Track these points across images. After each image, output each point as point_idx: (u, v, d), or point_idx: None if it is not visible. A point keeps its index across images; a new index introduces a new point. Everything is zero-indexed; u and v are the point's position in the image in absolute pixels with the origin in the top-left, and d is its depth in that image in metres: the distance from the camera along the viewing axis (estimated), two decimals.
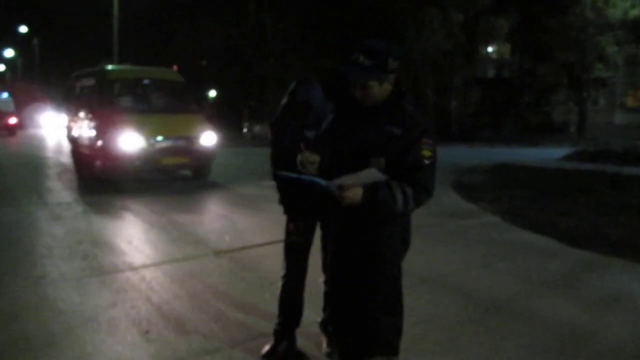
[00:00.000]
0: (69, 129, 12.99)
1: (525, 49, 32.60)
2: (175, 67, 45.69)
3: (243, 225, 7.16)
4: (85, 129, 11.40)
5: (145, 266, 5.28)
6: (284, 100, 3.36)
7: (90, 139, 10.98)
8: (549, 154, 18.95)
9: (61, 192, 9.81)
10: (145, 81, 11.94)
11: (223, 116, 31.24)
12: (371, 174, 2.38)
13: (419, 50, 27.28)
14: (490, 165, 14.55)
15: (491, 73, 35.07)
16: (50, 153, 16.98)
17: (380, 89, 2.48)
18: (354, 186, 2.36)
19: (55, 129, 26.67)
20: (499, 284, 4.83)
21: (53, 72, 35.39)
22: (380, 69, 2.44)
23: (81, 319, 3.99)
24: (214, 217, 7.76)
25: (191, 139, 10.41)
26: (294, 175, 2.52)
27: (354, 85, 2.52)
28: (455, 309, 4.21)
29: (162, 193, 9.71)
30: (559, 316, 4.12)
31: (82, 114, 11.81)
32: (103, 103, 10.87)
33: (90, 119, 11.12)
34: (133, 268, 5.21)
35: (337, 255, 2.72)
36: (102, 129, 10.37)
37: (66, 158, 15.46)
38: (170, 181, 11.23)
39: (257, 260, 5.51)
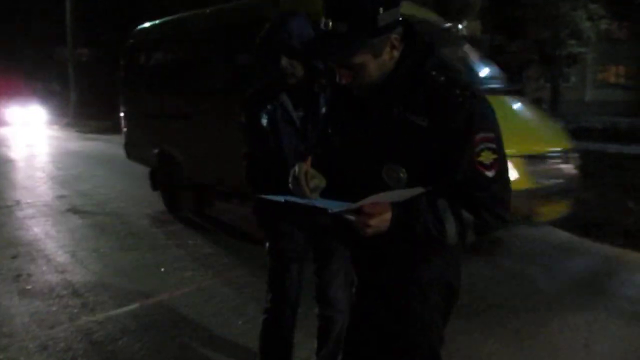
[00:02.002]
0: (143, 132, 7.42)
1: (497, 26, 32.05)
2: None
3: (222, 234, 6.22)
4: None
5: (88, 287, 4.31)
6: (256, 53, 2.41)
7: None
8: None
9: (3, 193, 8.68)
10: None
11: None
12: (407, 191, 1.47)
13: None
14: None
15: None
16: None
17: (378, 63, 1.50)
18: (379, 208, 1.44)
19: (23, 125, 23.25)
20: (520, 294, 4.03)
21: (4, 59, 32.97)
22: (365, 33, 1.45)
23: None
24: (180, 220, 6.78)
25: (564, 157, 4.77)
26: (283, 198, 1.62)
27: (333, 68, 1.59)
28: (479, 334, 3.39)
29: (128, 193, 8.66)
30: (604, 335, 3.35)
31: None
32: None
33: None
34: (73, 291, 4.24)
35: (354, 306, 1.86)
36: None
37: (16, 154, 14.22)
38: (141, 177, 10.15)
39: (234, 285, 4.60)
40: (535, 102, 31.14)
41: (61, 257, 5.16)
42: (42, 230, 6.20)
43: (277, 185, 2.25)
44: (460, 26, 34.34)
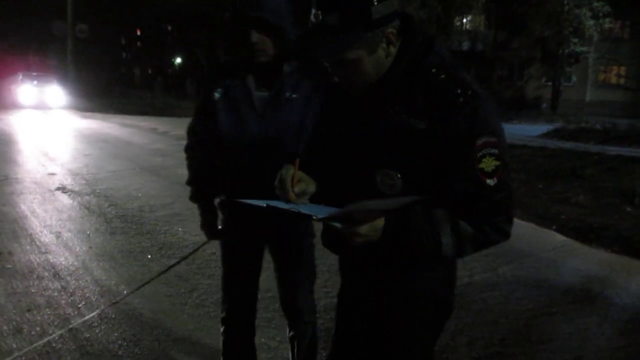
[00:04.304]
0: None
1: (500, 22, 31.88)
2: (138, 32, 43.68)
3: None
4: None
5: (70, 270, 4.20)
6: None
7: None
8: (526, 131, 18.19)
9: None
10: None
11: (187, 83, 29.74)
12: (400, 200, 1.35)
13: None
14: None
15: (465, 46, 34.24)
16: None
17: (373, 59, 1.38)
18: (369, 215, 1.31)
19: (39, 108, 19.74)
20: (511, 298, 3.93)
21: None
22: (359, 25, 1.32)
23: None
24: (170, 206, 6.64)
25: None
26: (264, 202, 1.45)
27: (324, 64, 1.48)
28: (466, 338, 3.29)
29: (119, 174, 8.53)
30: (597, 345, 3.26)
31: None
32: None
33: None
34: (54, 273, 4.13)
35: (340, 314, 1.74)
36: None
37: (9, 128, 14.02)
38: (134, 159, 10.01)
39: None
40: (535, 100, 31.18)
41: (45, 237, 5.04)
42: (29, 207, 6.07)
43: (214, 169, 2.22)
44: (464, 21, 34.17)
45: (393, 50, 1.40)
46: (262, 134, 2.08)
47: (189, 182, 2.37)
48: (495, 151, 1.33)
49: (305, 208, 1.41)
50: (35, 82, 21.95)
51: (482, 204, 1.34)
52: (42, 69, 25.21)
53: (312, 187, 1.52)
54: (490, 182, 1.33)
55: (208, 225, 2.41)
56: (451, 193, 1.35)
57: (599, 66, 31.91)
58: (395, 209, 1.32)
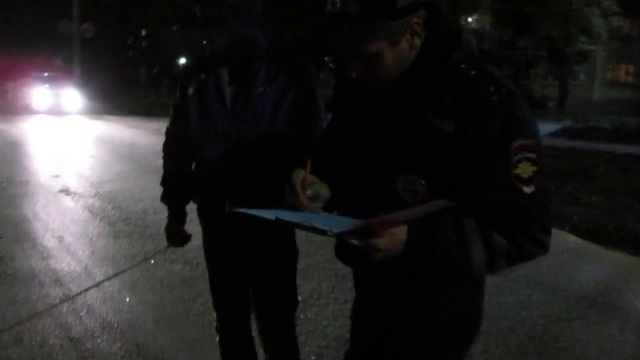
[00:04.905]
0: None
1: (506, 21, 31.69)
2: (143, 32, 43.72)
3: None
4: None
5: (72, 276, 4.09)
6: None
7: None
8: None
9: None
10: None
11: None
12: (428, 206, 1.21)
13: None
14: None
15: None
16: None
17: (395, 52, 1.24)
18: (390, 227, 1.17)
19: (55, 114, 17.99)
20: (526, 303, 3.80)
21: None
22: (381, 14, 1.19)
23: None
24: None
25: None
26: (273, 214, 1.28)
27: (341, 60, 1.33)
28: (482, 346, 3.15)
29: (123, 176, 8.44)
30: (617, 353, 3.13)
31: None
32: None
33: None
34: (55, 279, 4.02)
35: (356, 333, 1.61)
36: None
37: (16, 130, 13.97)
38: (139, 160, 9.93)
39: None
40: (542, 99, 31.02)
41: (48, 241, 4.95)
42: (31, 211, 5.98)
43: (187, 172, 2.16)
44: (470, 20, 34.00)
45: (418, 42, 1.27)
46: (230, 130, 1.97)
47: (162, 183, 2.27)
48: (533, 155, 1.19)
49: (319, 220, 1.25)
50: (48, 85, 20.21)
51: (518, 214, 1.20)
52: (51, 70, 23.94)
53: (325, 191, 1.39)
54: (527, 189, 1.19)
55: (172, 230, 2.31)
56: (482, 202, 1.21)
57: (607, 64, 31.66)
58: (418, 217, 1.19)
